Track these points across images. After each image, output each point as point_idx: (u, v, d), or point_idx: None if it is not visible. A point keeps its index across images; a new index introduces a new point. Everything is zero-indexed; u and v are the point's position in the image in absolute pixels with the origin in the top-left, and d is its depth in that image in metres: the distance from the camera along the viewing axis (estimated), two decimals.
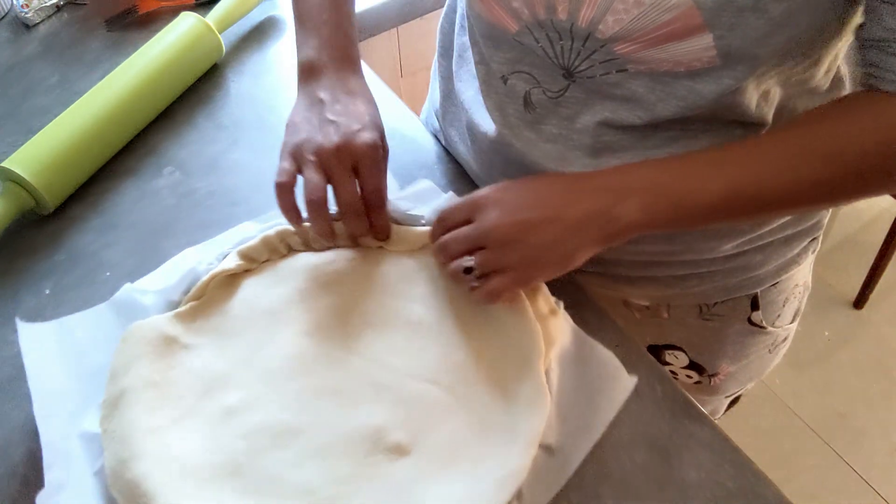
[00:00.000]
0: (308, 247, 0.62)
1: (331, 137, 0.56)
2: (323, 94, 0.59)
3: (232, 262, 0.60)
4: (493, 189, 0.55)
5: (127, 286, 0.59)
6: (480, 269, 0.53)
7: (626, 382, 0.56)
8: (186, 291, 0.59)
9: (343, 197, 0.56)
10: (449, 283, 0.59)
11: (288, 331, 0.57)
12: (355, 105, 0.59)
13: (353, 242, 0.62)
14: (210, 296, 0.59)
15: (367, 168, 0.57)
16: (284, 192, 0.56)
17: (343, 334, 0.57)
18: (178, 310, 0.58)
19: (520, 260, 0.52)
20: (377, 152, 0.57)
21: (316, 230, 0.57)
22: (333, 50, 0.62)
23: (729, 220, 0.59)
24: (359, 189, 0.57)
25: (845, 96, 0.54)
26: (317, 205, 0.55)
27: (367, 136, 0.57)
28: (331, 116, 0.58)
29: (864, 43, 0.50)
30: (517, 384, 0.54)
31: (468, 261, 0.54)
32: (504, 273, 0.53)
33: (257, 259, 0.61)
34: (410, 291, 0.59)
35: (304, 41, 0.63)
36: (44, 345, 0.56)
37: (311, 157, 0.56)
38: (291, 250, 0.62)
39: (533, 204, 0.53)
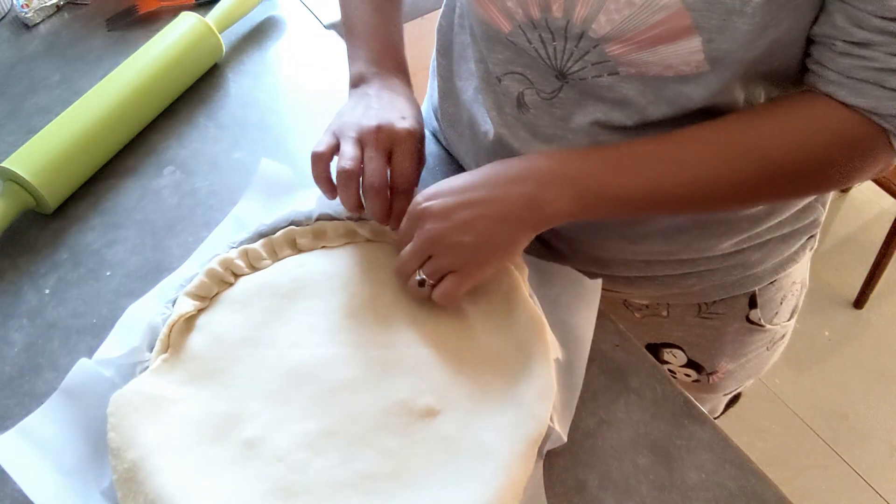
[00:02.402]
0: (252, 267, 0.61)
1: (371, 120, 0.59)
2: (370, 91, 0.63)
3: (187, 305, 0.57)
4: (424, 196, 0.56)
5: (83, 361, 0.55)
6: (431, 279, 0.55)
7: (592, 286, 0.59)
8: (151, 348, 0.56)
9: (369, 173, 0.57)
10: None
11: (274, 350, 0.56)
12: (399, 101, 0.62)
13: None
14: (176, 344, 0.56)
15: (401, 153, 0.59)
16: (319, 161, 0.58)
17: (329, 332, 0.57)
18: (152, 367, 0.55)
19: (461, 260, 0.54)
20: (413, 140, 0.60)
21: (343, 200, 0.58)
22: (383, 61, 0.65)
23: (657, 213, 0.61)
24: (389, 173, 0.59)
25: (787, 94, 0.54)
26: (347, 175, 0.56)
27: (405, 124, 0.60)
28: (375, 106, 0.61)
29: (812, 39, 0.50)
30: (509, 316, 0.55)
31: (419, 274, 0.55)
32: (452, 274, 0.55)
33: (207, 295, 0.59)
34: (376, 276, 0.60)
35: (355, 54, 0.66)
36: (19, 453, 0.52)
37: (351, 133, 0.58)
38: (237, 277, 0.60)
39: (464, 202, 0.54)
